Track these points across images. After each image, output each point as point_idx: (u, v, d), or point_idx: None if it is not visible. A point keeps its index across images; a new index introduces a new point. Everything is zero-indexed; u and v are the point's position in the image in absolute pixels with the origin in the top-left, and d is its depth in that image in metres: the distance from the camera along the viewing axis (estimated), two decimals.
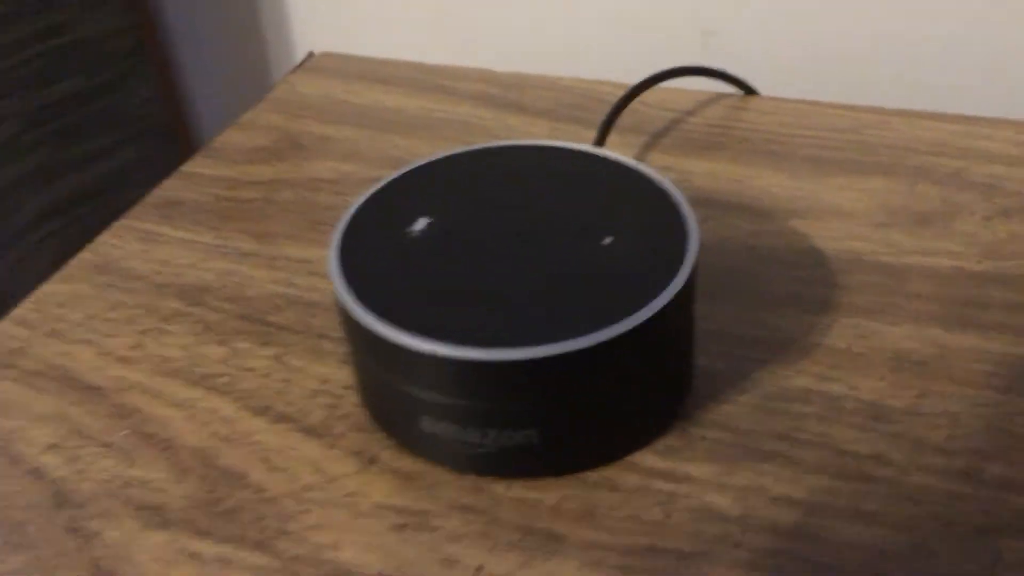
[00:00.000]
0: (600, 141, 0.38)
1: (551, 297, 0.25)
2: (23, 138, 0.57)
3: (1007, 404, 0.27)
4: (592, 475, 0.26)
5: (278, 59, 0.68)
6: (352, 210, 0.29)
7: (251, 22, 0.67)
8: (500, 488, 0.26)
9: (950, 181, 0.36)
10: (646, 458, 0.26)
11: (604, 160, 0.30)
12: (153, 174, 0.66)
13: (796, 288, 0.32)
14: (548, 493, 0.25)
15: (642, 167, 0.29)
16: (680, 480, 0.26)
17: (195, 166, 0.41)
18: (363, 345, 0.26)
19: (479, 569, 0.24)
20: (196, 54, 0.71)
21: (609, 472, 0.26)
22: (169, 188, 0.39)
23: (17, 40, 0.55)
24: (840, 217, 0.35)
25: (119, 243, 0.36)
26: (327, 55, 0.49)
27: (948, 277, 0.32)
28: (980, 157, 0.37)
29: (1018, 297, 0.31)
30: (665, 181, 0.29)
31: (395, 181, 0.30)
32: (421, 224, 0.28)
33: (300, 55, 0.66)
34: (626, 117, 0.40)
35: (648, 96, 0.41)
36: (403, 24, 0.61)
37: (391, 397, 0.26)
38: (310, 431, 0.28)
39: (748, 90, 0.43)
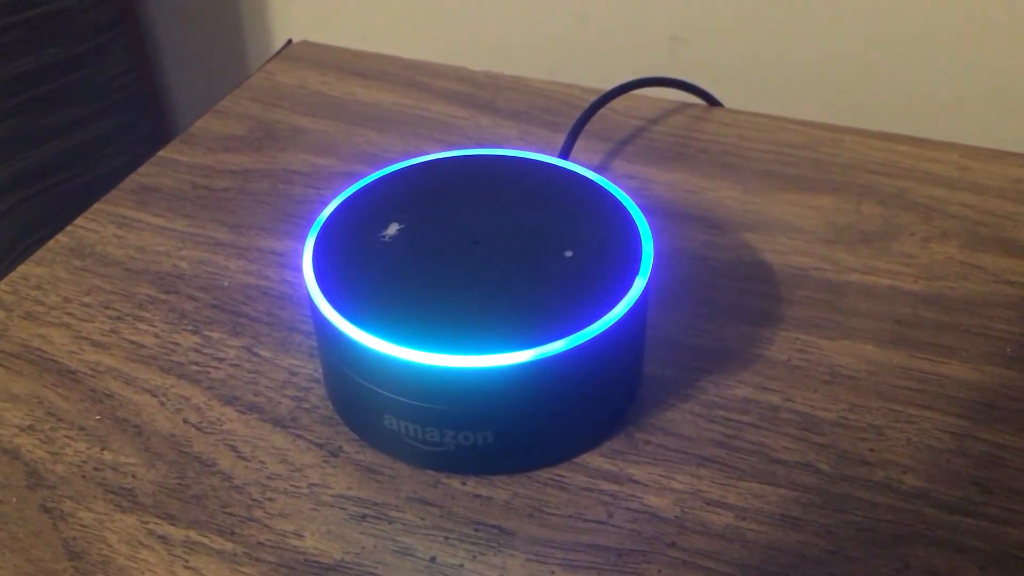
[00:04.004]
0: (568, 148, 0.39)
1: (511, 308, 0.26)
2: None
3: (927, 420, 0.29)
4: (542, 474, 0.28)
5: (254, 37, 0.68)
6: (327, 211, 0.30)
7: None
8: (456, 483, 0.27)
9: (894, 201, 0.38)
10: (593, 459, 0.28)
11: (570, 173, 0.32)
12: (125, 146, 0.67)
13: (742, 300, 0.34)
14: (501, 490, 0.27)
15: (605, 182, 0.31)
16: (623, 482, 0.27)
17: (171, 152, 0.41)
18: (332, 345, 0.27)
19: (432, 560, 0.26)
20: (173, 28, 0.71)
21: (558, 471, 0.28)
22: (145, 173, 0.40)
23: None
24: (788, 232, 0.37)
25: (95, 227, 0.37)
26: (305, 43, 0.49)
27: (884, 296, 0.34)
28: (924, 179, 0.39)
29: (947, 318, 0.33)
30: (627, 197, 0.30)
31: (369, 184, 0.31)
32: (392, 230, 0.29)
33: (277, 34, 0.67)
34: (594, 123, 0.42)
35: (616, 103, 0.43)
36: (380, 13, 0.62)
37: (355, 395, 0.27)
38: (277, 422, 0.29)
39: (712, 101, 0.45)
